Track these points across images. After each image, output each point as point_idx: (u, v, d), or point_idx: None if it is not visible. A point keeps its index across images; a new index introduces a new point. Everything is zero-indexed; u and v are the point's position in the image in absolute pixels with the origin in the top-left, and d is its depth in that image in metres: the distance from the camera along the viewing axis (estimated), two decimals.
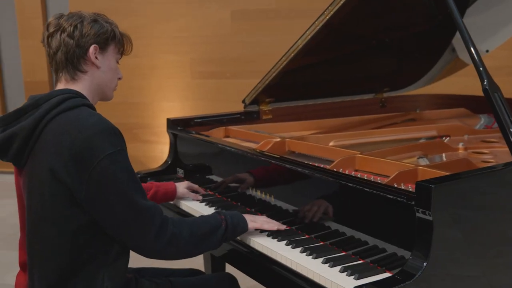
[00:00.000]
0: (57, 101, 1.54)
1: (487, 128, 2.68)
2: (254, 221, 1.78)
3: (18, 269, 1.72)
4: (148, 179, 2.47)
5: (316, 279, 1.51)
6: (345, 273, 1.49)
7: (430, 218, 1.37)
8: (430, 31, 2.95)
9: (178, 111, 5.33)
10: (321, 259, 1.58)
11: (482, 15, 2.90)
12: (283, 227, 1.81)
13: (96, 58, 1.63)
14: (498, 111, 1.67)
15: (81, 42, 1.60)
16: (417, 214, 1.40)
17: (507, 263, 1.59)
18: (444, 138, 2.46)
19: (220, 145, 2.23)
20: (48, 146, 1.50)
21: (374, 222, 1.59)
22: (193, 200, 2.20)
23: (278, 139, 2.29)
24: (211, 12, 5.16)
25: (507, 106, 1.68)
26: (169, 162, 2.54)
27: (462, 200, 1.44)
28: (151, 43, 5.35)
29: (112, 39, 1.67)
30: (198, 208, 2.12)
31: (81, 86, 1.63)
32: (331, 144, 2.37)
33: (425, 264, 1.36)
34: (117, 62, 1.73)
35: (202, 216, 1.72)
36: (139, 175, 2.48)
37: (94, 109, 1.60)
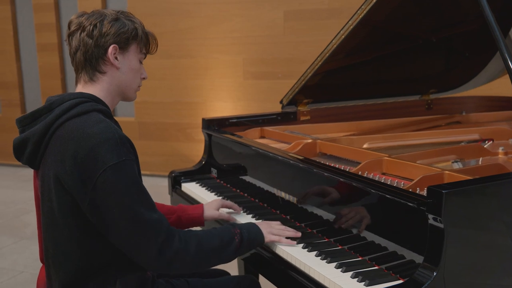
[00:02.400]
0: (68, 106, 1.51)
1: None
2: (271, 232, 1.71)
3: None
4: (182, 178, 2.50)
5: (326, 283, 1.48)
6: (356, 278, 1.46)
7: (442, 225, 1.31)
8: (481, 29, 2.83)
9: (230, 111, 5.37)
10: (334, 264, 1.55)
11: None
12: (299, 234, 1.75)
13: (116, 58, 1.58)
14: None
15: (100, 41, 1.55)
16: (429, 221, 1.35)
17: None
18: (486, 142, 2.35)
19: (250, 146, 2.22)
20: (55, 153, 1.48)
21: (393, 227, 1.54)
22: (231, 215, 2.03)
23: (310, 141, 2.26)
24: (264, 12, 5.16)
25: None
26: (203, 162, 2.56)
27: (479, 207, 1.37)
28: (204, 44, 5.43)
29: (133, 38, 1.60)
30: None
31: (99, 87, 1.59)
32: (364, 146, 2.31)
33: (434, 273, 1.30)
34: (140, 62, 1.67)
35: (214, 229, 1.64)
36: (173, 174, 2.52)
37: (107, 113, 1.56)
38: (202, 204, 2.01)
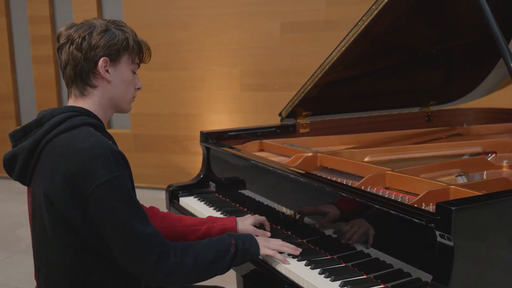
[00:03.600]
0: (58, 120, 1.46)
1: None
2: (268, 246, 1.66)
3: None
4: (180, 192, 2.45)
5: None
6: None
7: (451, 243, 1.27)
8: (481, 41, 2.80)
9: (227, 123, 5.33)
10: (339, 282, 1.50)
11: None
12: (298, 251, 1.70)
13: (107, 71, 1.52)
14: None
15: (90, 55, 1.49)
16: (438, 238, 1.30)
17: None
18: (489, 154, 2.32)
19: (249, 160, 2.18)
20: (44, 169, 1.44)
21: (398, 244, 1.49)
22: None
23: (310, 154, 2.22)
24: (261, 24, 5.14)
25: None
26: (202, 175, 2.51)
27: (488, 224, 1.33)
28: (201, 56, 5.40)
29: (124, 49, 1.54)
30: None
31: (91, 101, 1.54)
32: (366, 159, 2.27)
33: None
34: (134, 72, 1.60)
35: (210, 240, 1.61)
36: (171, 188, 2.47)
37: (99, 127, 1.52)
38: (234, 217, 1.89)
